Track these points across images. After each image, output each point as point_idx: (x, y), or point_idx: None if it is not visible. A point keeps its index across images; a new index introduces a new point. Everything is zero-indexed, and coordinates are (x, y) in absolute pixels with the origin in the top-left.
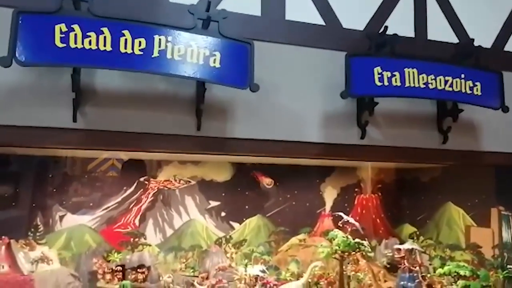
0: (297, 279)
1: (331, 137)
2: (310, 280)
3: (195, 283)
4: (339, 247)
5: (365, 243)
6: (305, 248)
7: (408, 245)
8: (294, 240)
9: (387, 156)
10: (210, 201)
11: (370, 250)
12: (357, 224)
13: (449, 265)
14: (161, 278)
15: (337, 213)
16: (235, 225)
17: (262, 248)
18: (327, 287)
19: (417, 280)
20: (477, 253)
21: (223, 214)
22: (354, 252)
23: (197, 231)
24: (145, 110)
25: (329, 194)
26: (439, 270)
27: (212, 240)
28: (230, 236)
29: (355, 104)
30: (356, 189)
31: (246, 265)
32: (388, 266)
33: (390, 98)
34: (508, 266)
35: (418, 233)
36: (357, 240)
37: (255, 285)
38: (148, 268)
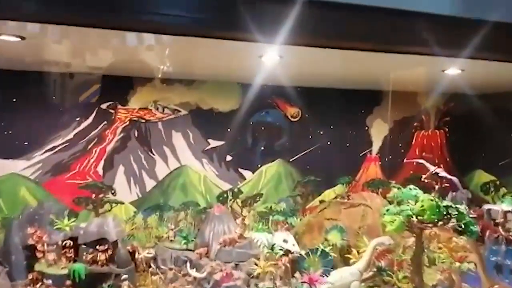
0: (341, 258)
1: None
2: (375, 263)
3: (187, 268)
4: (422, 215)
5: (462, 207)
6: (350, 208)
7: (507, 206)
8: (329, 193)
9: None
10: (210, 140)
11: (469, 218)
12: (454, 179)
13: None
14: (136, 256)
15: (417, 160)
16: (246, 174)
17: (284, 206)
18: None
19: None
20: None
21: (228, 158)
22: (440, 223)
23: (191, 183)
24: None
25: (378, 129)
26: None
27: (214, 195)
28: (238, 189)
29: None
30: (415, 123)
31: (258, 229)
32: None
33: None
34: None
35: (498, 183)
36: (446, 203)
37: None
38: (114, 244)
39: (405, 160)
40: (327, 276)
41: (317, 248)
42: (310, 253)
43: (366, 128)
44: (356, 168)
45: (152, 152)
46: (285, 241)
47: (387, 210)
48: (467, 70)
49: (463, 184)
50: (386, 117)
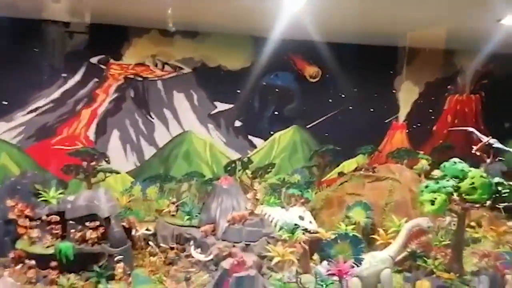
0: (365, 238)
1: None
2: (409, 250)
3: (191, 249)
4: (471, 194)
5: None
6: (376, 182)
7: None
8: (348, 164)
9: None
10: (217, 103)
11: None
12: None
13: None
14: (133, 232)
15: (468, 128)
16: (257, 141)
17: (298, 177)
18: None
19: None
20: None
21: (237, 124)
22: (489, 202)
23: (195, 151)
24: None
25: (407, 93)
26: None
27: (221, 165)
28: (248, 158)
29: None
30: (448, 86)
31: (270, 203)
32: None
33: None
34: None
35: None
36: (497, 179)
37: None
38: (106, 221)
39: (450, 129)
40: (358, 266)
41: (347, 233)
42: (338, 238)
43: (394, 91)
44: (380, 137)
45: (150, 116)
46: (301, 217)
47: (426, 186)
48: None
49: (495, 155)
50: (417, 78)
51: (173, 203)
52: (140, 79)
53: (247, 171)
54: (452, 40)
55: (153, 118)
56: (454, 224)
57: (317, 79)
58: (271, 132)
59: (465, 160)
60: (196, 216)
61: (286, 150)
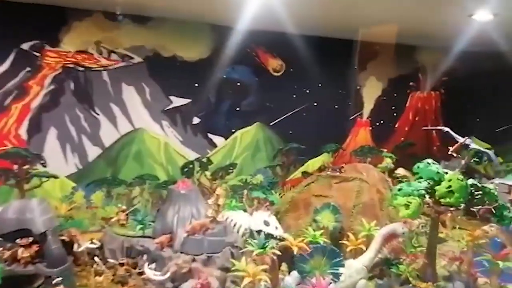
0: (334, 244)
1: None
2: (380, 255)
3: (145, 267)
4: (447, 198)
5: (491, 186)
6: (343, 182)
7: None
8: (313, 163)
9: None
10: (173, 97)
11: (501, 201)
12: (490, 152)
13: None
14: (75, 247)
15: (443, 128)
16: (218, 140)
17: (261, 178)
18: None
19: None
20: None
21: (195, 121)
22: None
23: (147, 151)
24: None
25: (371, 89)
26: None
27: (177, 167)
28: (208, 158)
29: None
30: (410, 83)
31: (231, 207)
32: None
33: None
34: None
35: (493, 151)
36: (472, 181)
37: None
38: (42, 237)
39: (425, 128)
40: (336, 282)
41: (325, 246)
42: (314, 252)
43: (358, 87)
44: (344, 134)
45: (95, 111)
46: (266, 223)
47: (399, 190)
48: (501, 15)
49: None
50: (380, 74)
51: (123, 210)
52: (81, 69)
53: (206, 172)
54: (416, 36)
55: (98, 114)
56: (423, 226)
57: (280, 73)
58: (232, 130)
59: (425, 157)
60: (150, 225)
61: (249, 149)
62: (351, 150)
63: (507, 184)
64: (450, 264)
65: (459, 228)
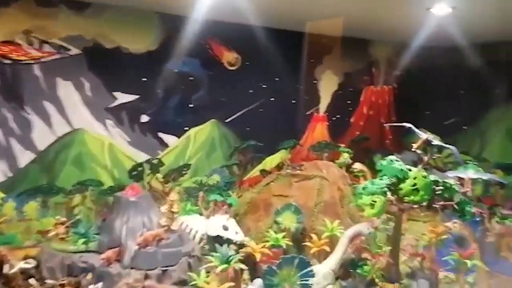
0: (296, 246)
1: None
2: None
3: None
4: (412, 195)
5: (451, 181)
6: (304, 181)
7: (472, 173)
8: (271, 160)
9: None
10: (117, 93)
11: (462, 196)
12: (453, 148)
13: None
14: (6, 269)
15: (405, 124)
16: (169, 139)
17: (218, 178)
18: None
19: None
20: None
21: (144, 119)
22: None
23: (89, 154)
24: None
25: (327, 84)
26: None
27: (124, 170)
28: (159, 160)
29: None
30: (365, 77)
31: (186, 211)
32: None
33: None
34: None
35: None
36: (433, 177)
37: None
38: None
39: (386, 124)
40: None
41: (294, 256)
42: (283, 263)
43: (315, 81)
44: (302, 130)
45: (25, 110)
46: (225, 227)
47: (364, 188)
48: (459, 8)
49: (404, 145)
50: (336, 68)
51: (62, 223)
52: (8, 61)
53: (157, 175)
54: (372, 30)
55: (29, 114)
56: (383, 223)
57: (236, 67)
58: (185, 128)
59: (378, 151)
60: (94, 238)
61: (203, 148)
62: (308, 145)
63: (460, 177)
64: (411, 259)
65: (414, 220)
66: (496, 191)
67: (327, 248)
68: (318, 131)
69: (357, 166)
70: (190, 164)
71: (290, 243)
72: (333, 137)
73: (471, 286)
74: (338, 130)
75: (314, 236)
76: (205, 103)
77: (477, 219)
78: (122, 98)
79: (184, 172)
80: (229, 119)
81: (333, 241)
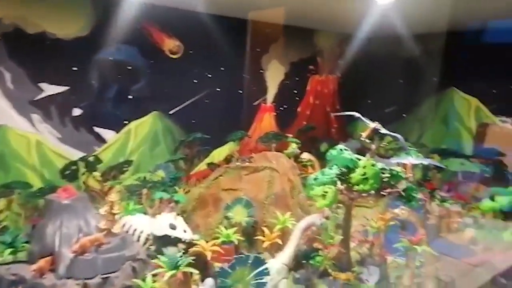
0: (249, 241)
1: None
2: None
3: None
4: (362, 184)
5: (398, 169)
6: (253, 173)
7: (413, 159)
8: (219, 153)
9: None
10: (44, 84)
11: (409, 183)
12: (399, 137)
13: None
14: None
15: (352, 113)
16: (107, 134)
17: (163, 174)
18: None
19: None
20: (494, 163)
21: (77, 112)
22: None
23: (14, 153)
24: None
25: (274, 73)
26: (488, 204)
27: (55, 170)
28: (96, 157)
29: None
30: (310, 67)
31: (129, 211)
32: None
33: None
34: None
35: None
36: (381, 165)
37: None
38: None
39: (334, 114)
40: None
41: (248, 255)
42: (236, 264)
43: (261, 70)
44: (250, 121)
45: None
46: (172, 226)
47: (315, 179)
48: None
49: (348, 134)
50: (283, 58)
51: None
52: None
53: (94, 173)
54: (316, 19)
55: None
56: (332, 212)
57: (178, 55)
58: (125, 122)
59: (325, 140)
60: (23, 246)
61: (145, 142)
62: (256, 137)
63: (402, 163)
64: (360, 246)
65: (360, 206)
66: (434, 175)
67: (280, 241)
68: (266, 122)
69: (305, 156)
70: (131, 161)
71: (242, 238)
72: (280, 127)
73: (418, 269)
74: (285, 120)
75: (266, 230)
76: (146, 94)
77: (420, 203)
78: (50, 89)
79: (125, 169)
80: (172, 111)
81: (285, 234)
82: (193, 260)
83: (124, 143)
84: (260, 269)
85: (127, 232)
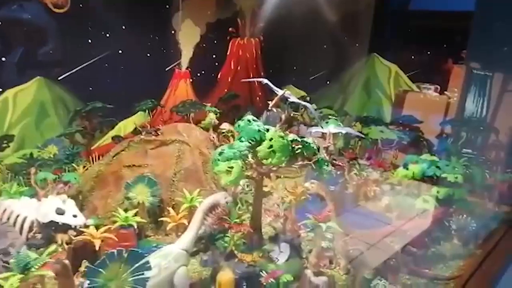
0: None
1: None
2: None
3: None
4: (268, 158)
5: (309, 140)
6: (161, 147)
7: (333, 128)
8: (126, 125)
9: None
10: None
11: (320, 155)
12: (308, 105)
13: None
14: None
15: (260, 79)
16: None
17: (55, 150)
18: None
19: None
20: (411, 130)
21: None
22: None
23: None
24: None
25: (188, 34)
26: (402, 172)
27: None
28: None
29: None
30: (230, 28)
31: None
32: None
33: None
34: (464, 151)
35: (309, 99)
36: (292, 137)
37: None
38: None
39: (243, 80)
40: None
41: (120, 250)
42: (106, 259)
43: (173, 31)
44: (162, 88)
45: None
46: (59, 211)
47: (220, 154)
48: None
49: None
50: (197, 17)
51: None
52: None
53: None
54: None
55: None
56: (243, 189)
57: (65, 9)
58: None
59: (248, 109)
60: None
61: (29, 114)
62: (171, 106)
63: (322, 132)
64: (276, 220)
65: (283, 177)
66: (356, 144)
67: (186, 222)
68: (182, 89)
69: (225, 126)
70: (13, 135)
71: (145, 221)
72: (199, 96)
73: (330, 242)
74: (204, 87)
75: (171, 210)
76: (25, 57)
77: (338, 172)
78: None
79: (4, 145)
80: (62, 77)
81: (193, 213)
82: (80, 249)
83: (1, 115)
84: (139, 263)
85: (8, 219)
